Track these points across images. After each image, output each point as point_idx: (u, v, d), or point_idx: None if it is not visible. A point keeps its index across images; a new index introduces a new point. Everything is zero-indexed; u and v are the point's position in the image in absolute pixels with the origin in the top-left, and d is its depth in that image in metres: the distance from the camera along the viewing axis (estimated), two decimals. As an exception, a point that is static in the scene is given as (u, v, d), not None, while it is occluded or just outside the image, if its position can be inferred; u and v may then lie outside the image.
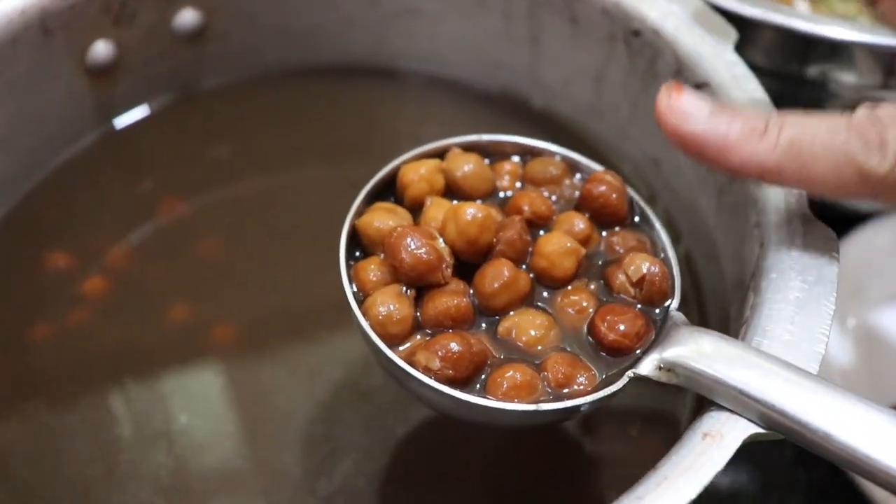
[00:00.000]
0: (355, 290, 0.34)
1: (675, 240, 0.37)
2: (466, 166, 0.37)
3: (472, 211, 0.33)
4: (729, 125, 0.31)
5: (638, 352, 0.33)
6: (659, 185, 0.49)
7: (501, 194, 0.38)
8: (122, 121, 0.54)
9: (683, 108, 0.31)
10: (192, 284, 0.47)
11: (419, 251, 0.32)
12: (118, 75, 0.52)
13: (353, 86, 0.56)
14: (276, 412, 0.43)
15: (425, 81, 0.56)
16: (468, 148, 0.38)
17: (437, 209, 0.35)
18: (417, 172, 0.36)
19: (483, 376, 0.32)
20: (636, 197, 0.37)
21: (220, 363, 0.45)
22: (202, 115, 0.55)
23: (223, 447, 0.42)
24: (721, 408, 0.31)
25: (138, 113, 0.54)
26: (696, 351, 0.31)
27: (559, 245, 0.34)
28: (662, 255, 0.36)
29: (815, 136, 0.30)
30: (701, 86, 0.43)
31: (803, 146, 0.30)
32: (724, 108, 0.32)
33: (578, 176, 0.38)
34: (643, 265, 0.34)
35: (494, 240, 0.34)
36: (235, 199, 0.52)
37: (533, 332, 0.33)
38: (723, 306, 0.42)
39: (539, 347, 0.33)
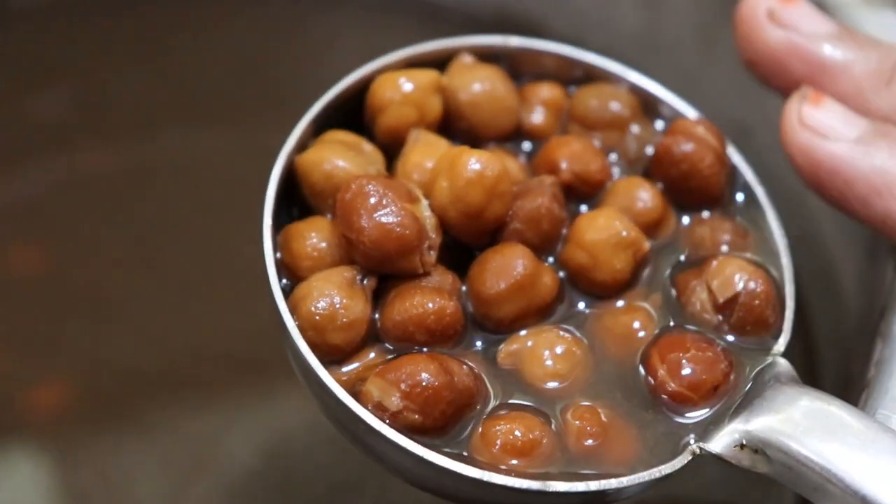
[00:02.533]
0: (284, 270, 0.30)
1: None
2: (478, 85, 0.33)
3: (477, 163, 0.29)
4: (891, 152, 0.29)
5: (711, 412, 0.29)
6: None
7: (528, 144, 0.34)
8: None
9: (824, 123, 0.29)
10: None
11: (388, 219, 0.29)
12: None
13: (266, 4, 0.52)
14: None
15: (380, 1, 0.52)
16: (486, 57, 0.34)
17: (424, 152, 0.32)
18: (399, 90, 0.32)
19: (468, 427, 0.29)
20: (743, 166, 0.33)
21: (43, 443, 0.42)
22: (16, 43, 0.50)
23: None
24: None
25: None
26: (804, 427, 0.27)
27: (609, 231, 0.31)
28: (776, 267, 0.33)
29: None
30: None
31: None
32: (886, 127, 0.29)
33: (660, 124, 0.35)
34: (737, 277, 0.30)
35: (510, 212, 0.30)
36: (69, 179, 0.47)
37: (551, 365, 0.30)
38: (842, 359, 0.40)
39: (558, 386, 0.30)
